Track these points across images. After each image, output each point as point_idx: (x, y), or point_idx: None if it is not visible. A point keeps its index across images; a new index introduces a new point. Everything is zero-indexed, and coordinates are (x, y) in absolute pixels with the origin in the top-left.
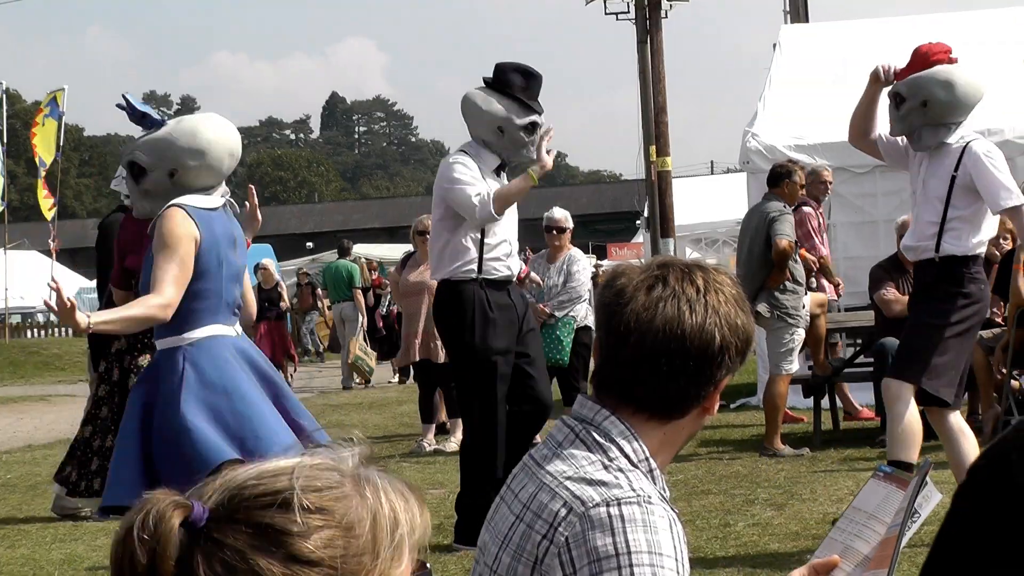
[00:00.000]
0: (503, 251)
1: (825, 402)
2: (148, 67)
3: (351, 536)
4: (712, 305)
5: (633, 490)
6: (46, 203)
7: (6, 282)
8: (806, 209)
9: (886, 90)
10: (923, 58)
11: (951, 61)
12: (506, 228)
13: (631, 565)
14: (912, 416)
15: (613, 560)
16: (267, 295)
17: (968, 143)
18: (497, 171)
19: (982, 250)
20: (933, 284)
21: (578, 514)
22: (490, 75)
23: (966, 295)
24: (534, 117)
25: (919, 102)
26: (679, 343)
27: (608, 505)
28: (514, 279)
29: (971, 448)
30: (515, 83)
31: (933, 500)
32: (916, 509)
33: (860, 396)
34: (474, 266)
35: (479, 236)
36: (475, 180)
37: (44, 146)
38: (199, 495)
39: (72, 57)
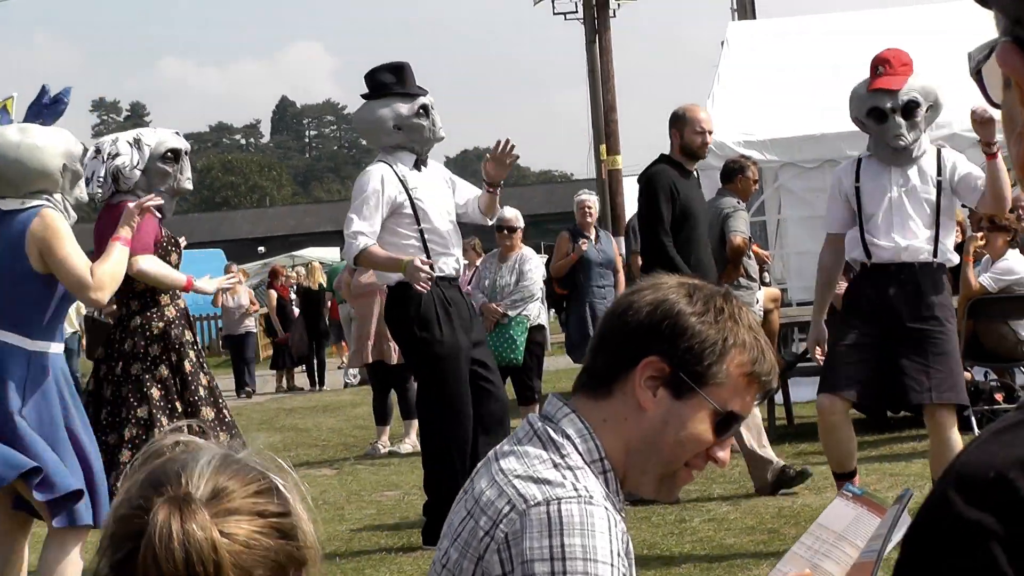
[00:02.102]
0: (445, 245)
1: (778, 397)
2: (95, 74)
3: (296, 514)
4: (670, 293)
5: (576, 490)
6: None
7: None
8: None
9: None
10: (908, 63)
11: None
12: (442, 221)
13: (564, 572)
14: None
15: (547, 564)
16: None
17: (939, 148)
18: (417, 166)
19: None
20: (931, 291)
21: (519, 512)
22: (371, 93)
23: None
24: (421, 100)
25: (927, 108)
26: (622, 310)
27: (548, 504)
28: (461, 275)
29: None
30: (388, 82)
31: (906, 525)
32: (892, 537)
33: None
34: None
35: (420, 234)
36: (372, 214)
37: None
38: (190, 493)
39: (18, 64)
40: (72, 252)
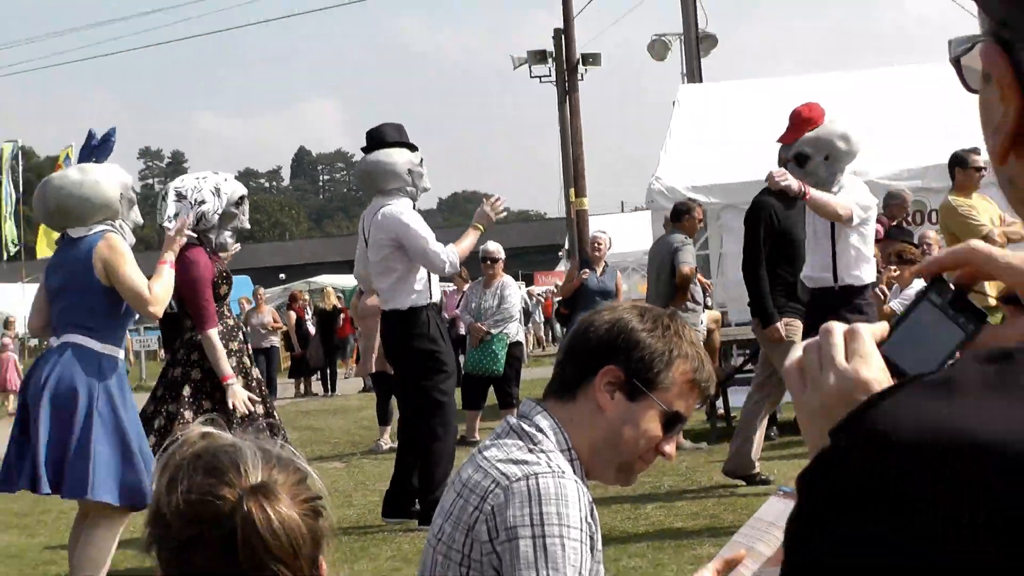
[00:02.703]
0: (434, 277)
1: (719, 403)
2: (141, 125)
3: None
4: (625, 314)
5: (550, 467)
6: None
7: (25, 310)
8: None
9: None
10: (809, 119)
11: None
12: None
13: (543, 536)
14: None
15: (528, 529)
16: None
17: (841, 188)
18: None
19: (871, 279)
20: (833, 312)
21: (503, 487)
22: (380, 145)
23: (863, 320)
24: (420, 154)
25: (823, 156)
26: (584, 328)
27: (527, 479)
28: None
29: None
30: (392, 136)
31: None
32: None
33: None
34: (427, 293)
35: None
36: (432, 235)
37: None
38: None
39: (78, 116)
40: (132, 272)
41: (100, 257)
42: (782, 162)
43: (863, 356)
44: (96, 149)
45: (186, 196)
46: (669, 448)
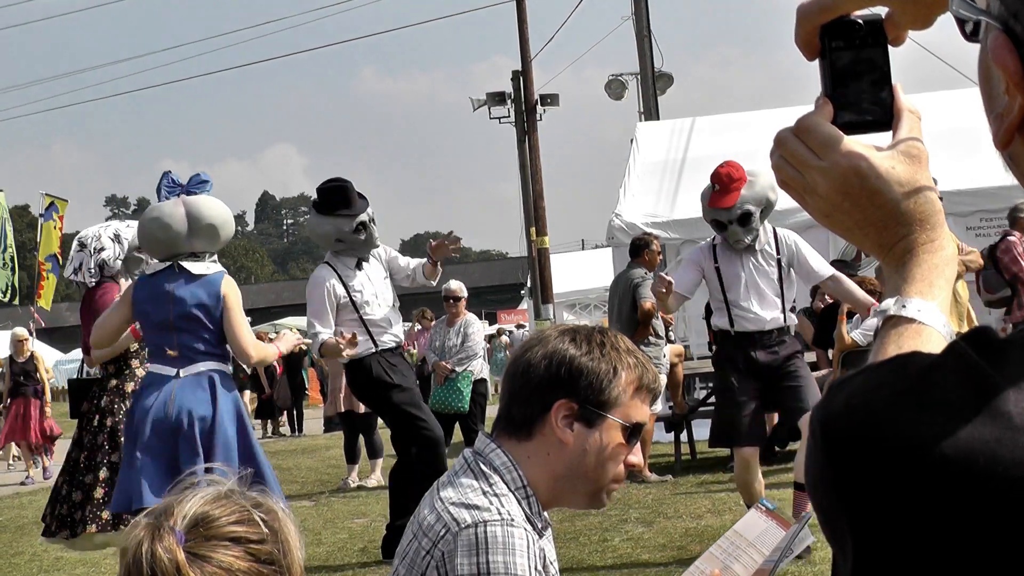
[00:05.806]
0: (386, 322)
1: (684, 436)
2: (107, 174)
3: (283, 541)
4: (558, 343)
5: (500, 514)
6: (48, 294)
7: None
8: (1011, 238)
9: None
10: (739, 178)
11: None
12: (379, 309)
13: None
14: None
15: None
16: (21, 368)
17: (775, 228)
18: (358, 265)
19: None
20: (792, 348)
21: (453, 533)
22: (320, 209)
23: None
24: (360, 217)
25: (761, 209)
26: (522, 370)
27: (476, 526)
28: (403, 344)
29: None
30: (334, 201)
31: (806, 541)
32: (791, 549)
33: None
34: (370, 344)
35: (358, 316)
36: (323, 314)
37: (52, 248)
38: (169, 521)
39: (44, 166)
40: (244, 319)
41: (226, 293)
42: (721, 225)
43: (829, 144)
44: (193, 188)
45: (87, 245)
46: (635, 458)
